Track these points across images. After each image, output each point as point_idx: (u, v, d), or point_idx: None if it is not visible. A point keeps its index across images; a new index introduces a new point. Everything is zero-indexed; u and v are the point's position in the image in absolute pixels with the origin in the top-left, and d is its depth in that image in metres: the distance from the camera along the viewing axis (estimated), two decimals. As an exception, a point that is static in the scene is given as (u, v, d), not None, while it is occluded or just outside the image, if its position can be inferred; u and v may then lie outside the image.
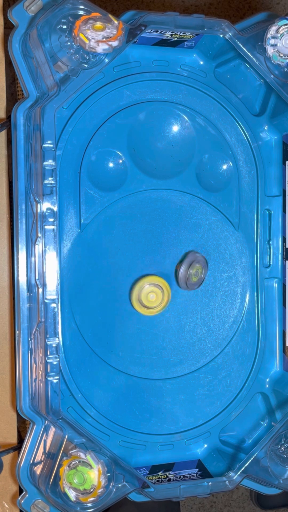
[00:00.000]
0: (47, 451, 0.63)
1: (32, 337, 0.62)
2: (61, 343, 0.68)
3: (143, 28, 0.62)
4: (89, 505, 0.61)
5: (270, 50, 0.66)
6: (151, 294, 0.71)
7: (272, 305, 0.77)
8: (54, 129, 0.59)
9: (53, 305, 0.60)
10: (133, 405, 0.72)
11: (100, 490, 0.61)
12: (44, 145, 0.59)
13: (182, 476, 0.70)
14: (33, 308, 0.62)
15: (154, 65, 0.71)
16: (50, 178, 0.59)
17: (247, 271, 0.76)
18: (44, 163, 0.59)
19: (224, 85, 0.74)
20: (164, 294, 0.71)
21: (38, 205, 0.60)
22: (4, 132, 0.70)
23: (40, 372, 0.61)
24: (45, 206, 0.59)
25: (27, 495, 0.64)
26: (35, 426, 0.63)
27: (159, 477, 0.69)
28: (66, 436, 0.62)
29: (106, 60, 0.61)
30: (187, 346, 0.74)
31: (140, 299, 0.71)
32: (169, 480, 0.69)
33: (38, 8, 0.63)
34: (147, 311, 0.71)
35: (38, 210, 0.60)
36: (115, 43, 0.60)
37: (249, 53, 0.67)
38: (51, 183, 0.60)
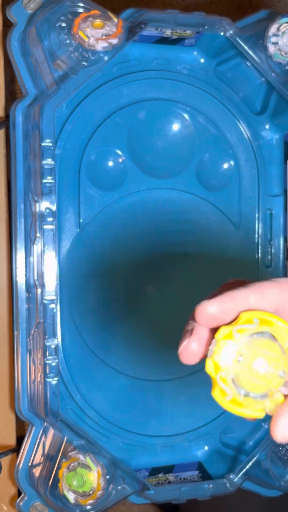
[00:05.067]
0: (46, 453, 0.62)
1: (30, 338, 0.62)
2: (60, 344, 0.67)
3: (143, 26, 0.62)
4: (89, 507, 0.61)
5: (271, 48, 0.66)
6: (261, 369, 0.38)
7: (273, 306, 0.76)
8: (53, 127, 0.59)
9: (52, 305, 0.59)
10: (133, 407, 0.72)
11: (100, 492, 0.61)
12: (43, 144, 0.58)
13: (182, 478, 0.69)
14: (31, 309, 0.62)
15: (154, 63, 0.71)
16: (49, 177, 0.59)
17: (248, 271, 0.75)
18: (43, 162, 0.59)
19: (224, 84, 0.73)
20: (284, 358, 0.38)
21: (37, 205, 0.59)
22: (2, 131, 0.70)
23: (39, 373, 0.61)
24: (44, 205, 0.59)
25: (25, 498, 0.63)
26: (34, 428, 0.63)
27: (159, 479, 0.69)
28: (65, 438, 0.61)
29: (106, 58, 0.61)
30: (187, 346, 0.73)
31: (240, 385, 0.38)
32: (169, 482, 0.68)
33: (37, 5, 0.62)
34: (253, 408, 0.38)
35: (37, 210, 0.59)
36: (114, 41, 0.60)
37: (250, 51, 0.66)
38: (50, 182, 0.59)
